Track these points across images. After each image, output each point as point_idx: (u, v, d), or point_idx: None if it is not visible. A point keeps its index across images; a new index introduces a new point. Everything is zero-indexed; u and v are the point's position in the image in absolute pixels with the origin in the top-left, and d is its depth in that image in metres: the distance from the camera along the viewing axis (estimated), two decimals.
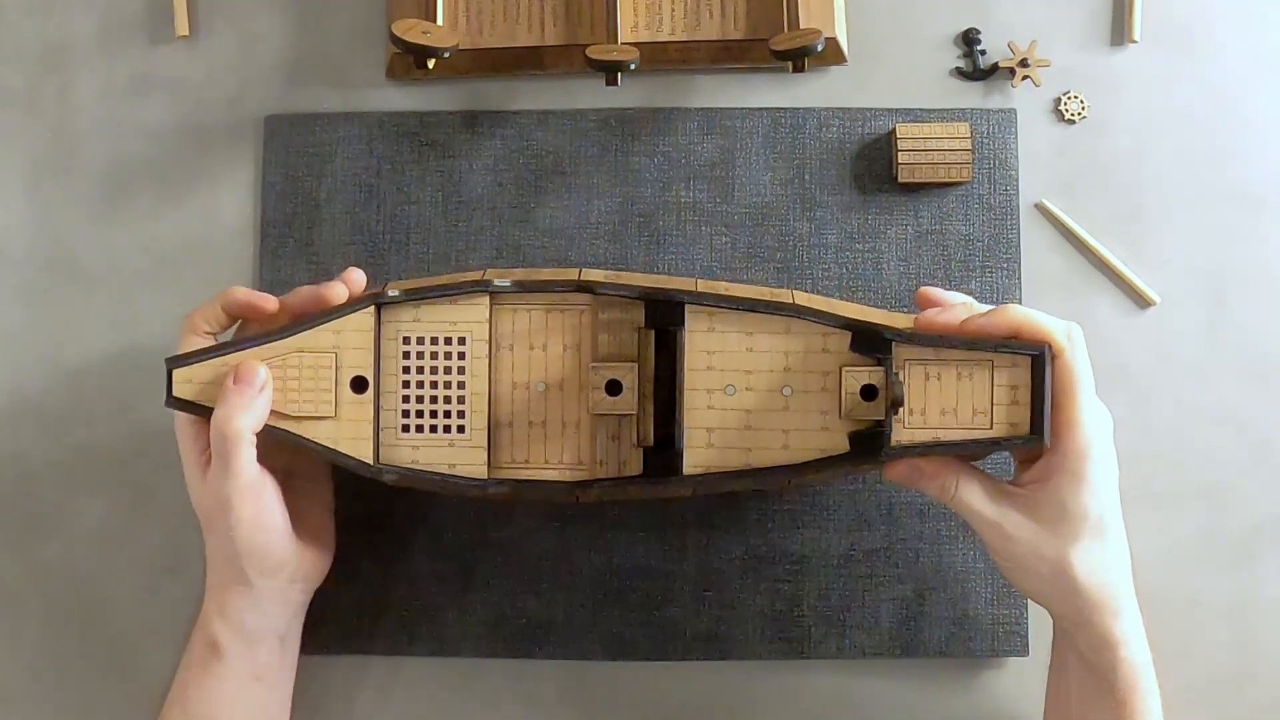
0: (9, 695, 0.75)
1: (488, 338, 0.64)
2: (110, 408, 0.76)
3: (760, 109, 0.76)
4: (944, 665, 0.74)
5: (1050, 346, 0.60)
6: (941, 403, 0.62)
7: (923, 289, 0.69)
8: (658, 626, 0.74)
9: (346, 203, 0.77)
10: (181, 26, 0.78)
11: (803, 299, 0.66)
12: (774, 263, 0.75)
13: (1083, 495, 0.60)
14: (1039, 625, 0.72)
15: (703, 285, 0.66)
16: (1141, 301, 0.75)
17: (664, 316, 0.64)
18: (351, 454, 0.64)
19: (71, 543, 0.76)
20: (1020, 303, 0.75)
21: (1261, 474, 0.74)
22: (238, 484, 0.63)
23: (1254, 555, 0.74)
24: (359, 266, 0.75)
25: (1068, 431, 0.60)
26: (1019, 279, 0.75)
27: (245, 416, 0.63)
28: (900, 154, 0.74)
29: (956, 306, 0.63)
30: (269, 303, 0.66)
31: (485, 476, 0.65)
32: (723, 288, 0.66)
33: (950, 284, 0.75)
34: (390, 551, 0.74)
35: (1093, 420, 0.61)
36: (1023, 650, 0.73)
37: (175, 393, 0.64)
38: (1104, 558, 0.62)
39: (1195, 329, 0.75)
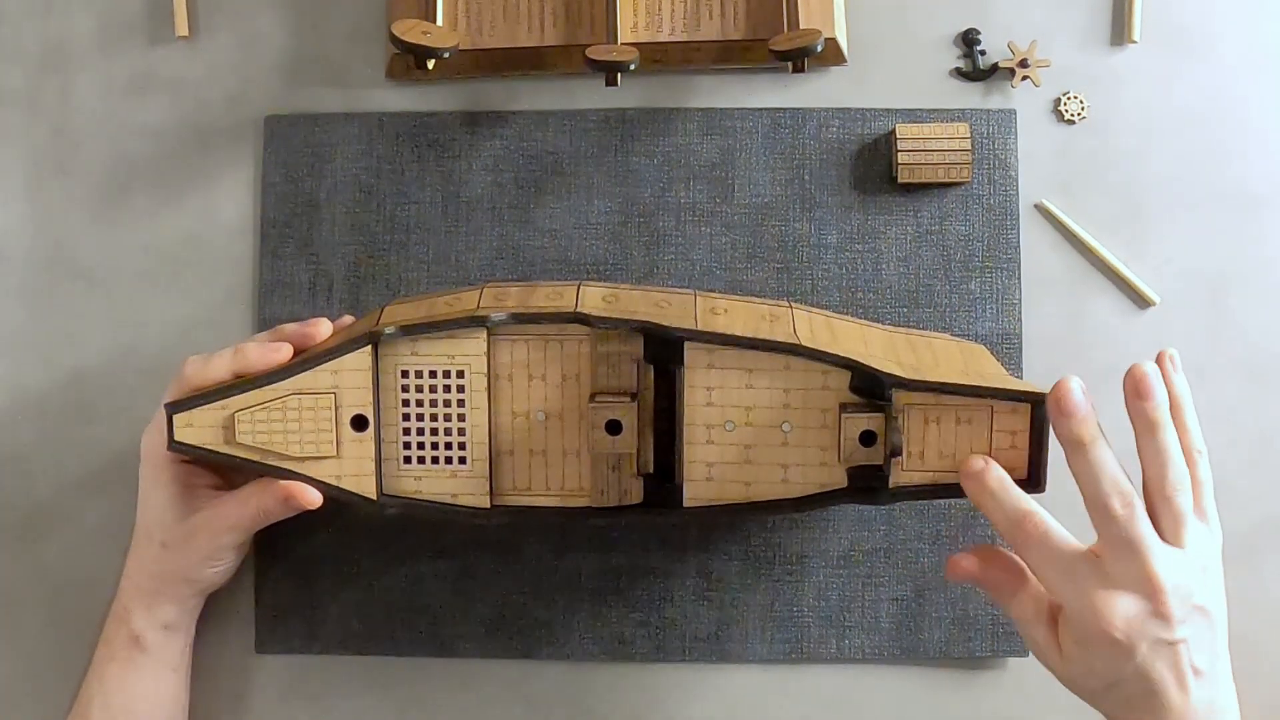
0: (9, 695, 0.75)
1: (486, 370, 0.64)
2: (110, 408, 0.76)
3: (760, 109, 0.76)
4: (944, 666, 0.74)
5: (1046, 396, 0.59)
6: (940, 446, 0.62)
7: (1137, 373, 0.60)
8: (658, 626, 0.74)
9: (346, 203, 0.77)
10: (181, 26, 0.78)
11: (802, 318, 0.65)
12: (774, 262, 0.75)
13: (1106, 676, 0.59)
14: None
15: (701, 301, 0.66)
16: (1141, 301, 0.75)
17: (663, 351, 0.64)
18: (355, 490, 0.65)
19: (71, 543, 0.76)
20: (1020, 303, 0.74)
21: (1261, 474, 0.74)
22: (244, 539, 0.69)
23: (1254, 555, 0.74)
24: (359, 266, 0.76)
25: (1090, 621, 0.58)
26: (1019, 279, 0.75)
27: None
28: (900, 154, 0.74)
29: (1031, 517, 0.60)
30: (283, 354, 0.66)
31: (488, 506, 0.65)
32: (722, 307, 0.65)
33: (950, 284, 0.75)
34: (390, 551, 0.74)
35: (1117, 617, 0.57)
36: (1023, 650, 0.73)
37: (177, 437, 0.64)
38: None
39: (1195, 329, 0.75)
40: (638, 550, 0.74)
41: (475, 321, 0.63)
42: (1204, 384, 0.75)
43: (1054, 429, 0.59)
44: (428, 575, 0.74)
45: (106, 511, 0.76)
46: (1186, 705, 0.59)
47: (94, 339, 0.77)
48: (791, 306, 0.67)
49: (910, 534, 0.74)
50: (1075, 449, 0.59)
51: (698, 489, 0.64)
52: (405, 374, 0.64)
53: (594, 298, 0.65)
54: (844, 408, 0.62)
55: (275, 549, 0.75)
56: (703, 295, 0.67)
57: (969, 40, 0.77)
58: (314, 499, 0.65)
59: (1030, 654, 0.73)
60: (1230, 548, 0.74)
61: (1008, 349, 0.74)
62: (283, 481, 0.65)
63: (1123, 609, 0.57)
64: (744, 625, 0.74)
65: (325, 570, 0.75)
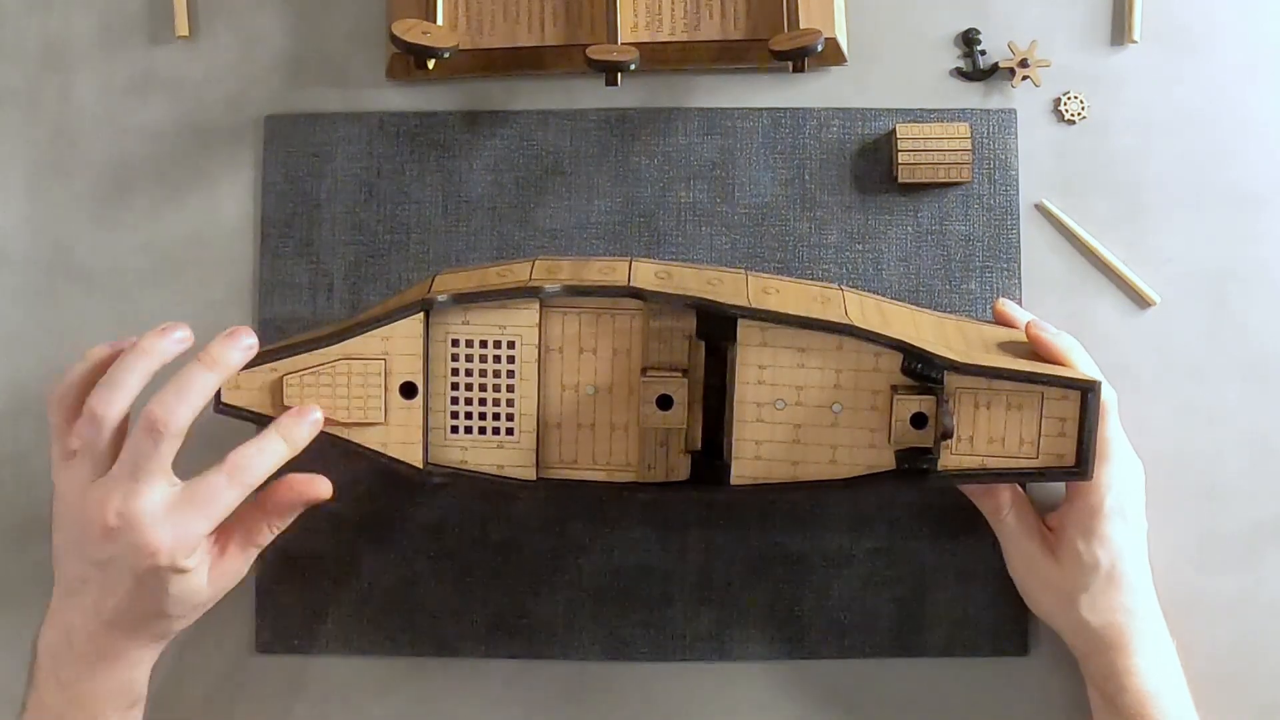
0: (9, 695, 0.75)
1: (537, 342, 0.64)
2: None
3: (760, 109, 0.76)
4: (944, 665, 0.74)
5: (1098, 384, 0.62)
6: (990, 431, 0.63)
7: (1000, 302, 0.72)
8: (658, 626, 0.74)
9: (346, 203, 0.77)
10: (181, 26, 0.78)
11: (853, 300, 0.66)
12: (774, 263, 0.75)
13: (1094, 548, 0.65)
14: (1039, 625, 0.72)
15: (752, 280, 0.66)
16: (1141, 301, 0.75)
17: (715, 328, 0.64)
18: (402, 458, 0.65)
19: None
20: (1020, 303, 0.75)
21: (1261, 474, 0.74)
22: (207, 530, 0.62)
23: (1254, 555, 0.74)
24: (359, 266, 0.76)
25: (1085, 488, 0.64)
26: (1019, 279, 0.75)
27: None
28: (900, 154, 0.74)
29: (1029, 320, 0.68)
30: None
31: (534, 478, 0.65)
32: (774, 287, 0.65)
33: (950, 284, 0.75)
34: (390, 552, 0.74)
35: (1116, 480, 0.64)
36: (1022, 650, 0.73)
37: (225, 399, 0.64)
38: (1114, 602, 0.65)
39: (1195, 329, 0.75)
40: (638, 550, 0.74)
41: (529, 292, 0.63)
42: (1204, 384, 0.75)
43: (1040, 344, 0.66)
44: (428, 575, 0.74)
45: None
46: (1151, 597, 0.67)
47: (94, 339, 0.76)
48: (842, 289, 0.67)
49: (910, 534, 0.74)
50: (1056, 339, 0.66)
51: (745, 467, 0.65)
52: (456, 343, 0.64)
53: (646, 273, 0.65)
54: (896, 390, 0.63)
55: (275, 549, 0.74)
56: (754, 275, 0.67)
57: (969, 40, 0.77)
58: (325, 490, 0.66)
59: (1030, 654, 0.73)
60: (1230, 548, 0.74)
61: None
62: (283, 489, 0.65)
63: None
64: (744, 625, 0.74)
65: (325, 570, 0.75)
